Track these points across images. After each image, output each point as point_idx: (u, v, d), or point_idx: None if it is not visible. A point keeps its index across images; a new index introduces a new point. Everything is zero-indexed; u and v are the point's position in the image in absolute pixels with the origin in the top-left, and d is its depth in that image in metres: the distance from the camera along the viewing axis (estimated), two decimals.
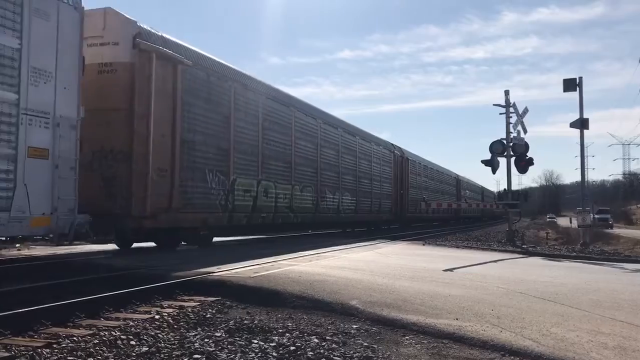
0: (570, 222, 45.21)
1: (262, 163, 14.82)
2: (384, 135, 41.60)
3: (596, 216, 54.61)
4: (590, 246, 18.33)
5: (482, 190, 63.62)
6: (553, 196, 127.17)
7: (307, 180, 18.04)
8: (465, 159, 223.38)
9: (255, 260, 9.40)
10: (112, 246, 12.25)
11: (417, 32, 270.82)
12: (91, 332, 4.87)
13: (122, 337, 4.67)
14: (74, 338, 4.59)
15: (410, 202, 30.09)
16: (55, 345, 4.39)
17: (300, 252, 11.40)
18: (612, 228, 50.99)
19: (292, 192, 16.68)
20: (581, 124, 18.57)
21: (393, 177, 28.08)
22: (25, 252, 10.94)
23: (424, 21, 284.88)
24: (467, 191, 51.57)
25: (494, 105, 19.89)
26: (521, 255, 14.56)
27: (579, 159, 20.45)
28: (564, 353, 4.42)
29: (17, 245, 11.83)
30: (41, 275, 8.04)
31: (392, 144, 29.24)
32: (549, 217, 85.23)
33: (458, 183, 46.71)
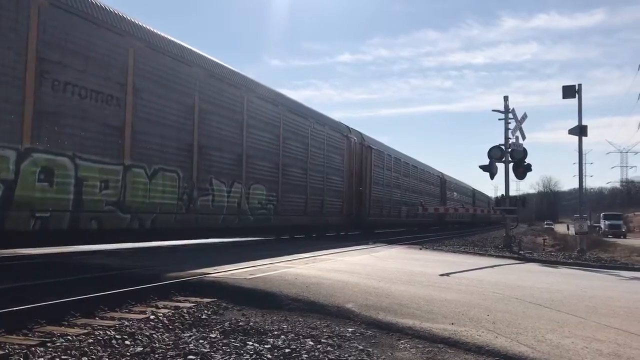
0: (568, 229, 44.99)
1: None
2: (384, 140, 38.14)
3: (606, 222, 52.09)
4: (587, 253, 18.35)
5: (474, 193, 58.22)
6: (551, 203, 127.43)
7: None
8: (463, 164, 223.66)
9: (251, 262, 9.39)
10: (109, 246, 12.21)
11: (417, 36, 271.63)
12: (86, 331, 4.86)
13: (116, 336, 4.65)
14: (69, 337, 4.57)
15: (374, 203, 24.53)
16: (49, 344, 4.37)
17: (296, 255, 11.39)
18: (625, 237, 47.05)
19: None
20: (580, 130, 18.63)
21: (347, 168, 21.54)
22: (22, 250, 10.90)
23: (424, 26, 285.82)
24: (455, 193, 45.77)
25: (492, 110, 20.01)
26: (518, 261, 14.56)
27: (577, 166, 20.50)
28: (559, 359, 4.42)
29: None
30: (36, 274, 8.01)
31: (348, 127, 22.55)
32: (546, 224, 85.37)
33: (443, 183, 40.89)
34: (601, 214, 57.14)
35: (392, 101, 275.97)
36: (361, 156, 23.35)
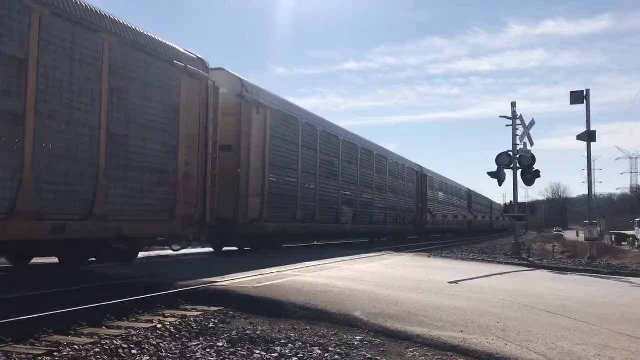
0: (577, 236, 44.37)
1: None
2: (391, 147, 41.61)
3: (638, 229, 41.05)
4: (597, 260, 18.17)
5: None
6: (560, 209, 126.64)
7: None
8: (470, 171, 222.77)
9: (259, 271, 9.35)
10: None
11: (423, 43, 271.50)
12: (93, 340, 4.84)
13: (123, 346, 4.63)
14: (75, 346, 4.56)
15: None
16: (56, 354, 4.36)
17: (304, 263, 11.34)
18: None
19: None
20: (588, 136, 18.50)
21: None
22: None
23: (430, 33, 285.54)
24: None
25: (500, 117, 19.95)
26: (527, 268, 14.43)
27: (586, 172, 20.35)
28: None
29: None
30: (44, 283, 8.02)
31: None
32: (556, 231, 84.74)
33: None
34: (636, 220, 43.94)
35: (398, 108, 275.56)
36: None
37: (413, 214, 30.62)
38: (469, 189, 50.09)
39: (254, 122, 14.05)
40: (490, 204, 65.66)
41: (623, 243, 43.64)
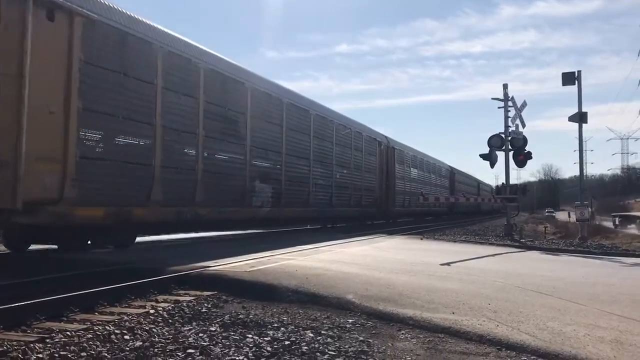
0: (569, 216, 44.39)
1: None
2: (383, 130, 38.78)
3: None
4: (588, 240, 18.33)
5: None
6: (552, 190, 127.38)
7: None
8: (463, 153, 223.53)
9: (252, 255, 9.37)
10: None
11: (415, 26, 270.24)
12: (85, 326, 4.84)
13: (116, 331, 4.63)
14: (68, 333, 4.55)
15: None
16: (48, 340, 4.35)
17: (297, 247, 11.37)
18: None
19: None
20: (580, 117, 18.58)
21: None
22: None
23: (422, 15, 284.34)
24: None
25: (492, 99, 19.89)
26: (519, 250, 14.54)
27: (577, 153, 20.45)
28: (561, 347, 4.40)
29: None
30: (35, 270, 8.00)
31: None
32: (548, 212, 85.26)
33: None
34: None
35: (390, 91, 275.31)
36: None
37: (374, 194, 24.58)
38: (451, 167, 44.40)
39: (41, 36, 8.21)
40: (477, 183, 59.29)
41: (630, 226, 39.73)
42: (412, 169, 30.97)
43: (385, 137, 26.83)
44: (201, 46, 12.49)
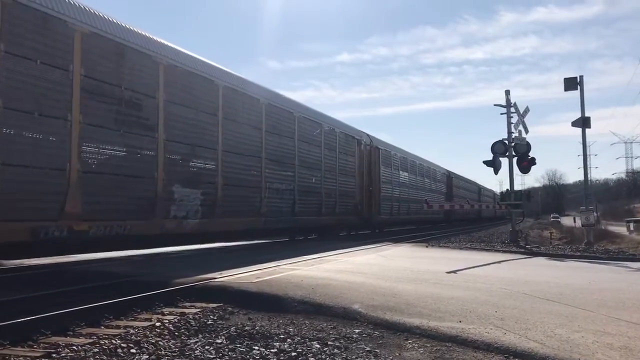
0: (574, 222, 43.94)
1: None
2: (385, 138, 36.40)
3: None
4: (594, 245, 18.23)
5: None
6: (556, 196, 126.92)
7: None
8: (466, 159, 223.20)
9: (257, 266, 9.36)
10: (113, 253, 12.19)
11: (415, 33, 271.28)
12: (91, 340, 4.84)
13: (122, 345, 4.63)
14: (74, 347, 4.55)
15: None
16: (54, 355, 4.35)
17: (302, 257, 11.35)
18: None
19: None
20: (583, 122, 18.52)
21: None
22: (26, 261, 10.88)
23: (422, 22, 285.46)
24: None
25: (494, 105, 19.88)
26: (525, 256, 14.48)
27: (581, 158, 20.38)
28: (569, 354, 4.36)
29: None
30: (41, 284, 8.00)
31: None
32: (553, 217, 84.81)
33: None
34: None
35: (392, 99, 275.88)
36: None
37: (354, 200, 21.25)
38: (448, 171, 41.29)
39: None
40: (478, 189, 56.40)
41: None
42: (401, 172, 27.84)
43: (368, 135, 23.69)
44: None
